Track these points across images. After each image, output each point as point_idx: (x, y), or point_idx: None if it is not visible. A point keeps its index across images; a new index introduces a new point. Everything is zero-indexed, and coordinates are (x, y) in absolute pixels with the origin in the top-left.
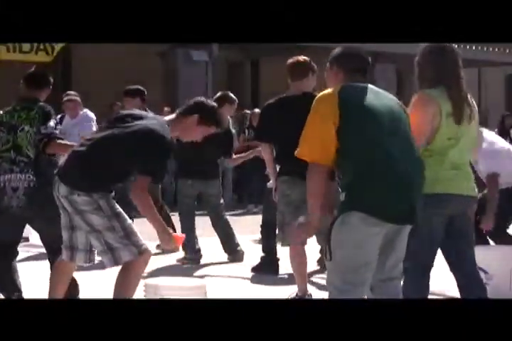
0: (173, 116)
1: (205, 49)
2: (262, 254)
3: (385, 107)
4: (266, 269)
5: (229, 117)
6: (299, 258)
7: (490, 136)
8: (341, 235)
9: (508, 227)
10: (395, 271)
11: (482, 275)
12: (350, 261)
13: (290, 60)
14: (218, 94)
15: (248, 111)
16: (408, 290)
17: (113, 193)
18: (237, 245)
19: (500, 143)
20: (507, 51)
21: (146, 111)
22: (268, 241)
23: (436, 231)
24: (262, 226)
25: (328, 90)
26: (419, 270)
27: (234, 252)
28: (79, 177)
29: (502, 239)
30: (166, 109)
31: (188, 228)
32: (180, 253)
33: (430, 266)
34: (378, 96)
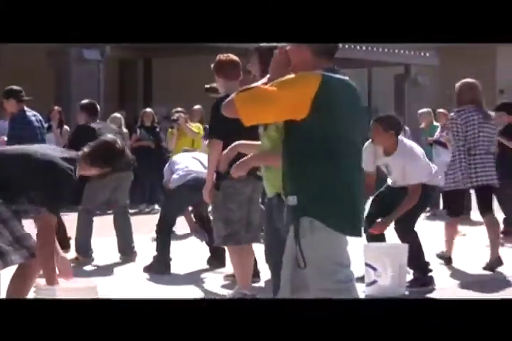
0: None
1: (97, 48)
2: (155, 254)
3: (353, 107)
4: (158, 269)
5: (120, 116)
6: (245, 257)
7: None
8: (318, 242)
9: (415, 225)
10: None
11: (371, 271)
12: (331, 261)
13: (224, 59)
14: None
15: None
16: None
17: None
18: (133, 245)
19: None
20: (396, 51)
21: (23, 111)
22: (162, 241)
23: None
24: (158, 225)
25: (311, 75)
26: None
27: (128, 252)
28: None
29: (407, 236)
30: (56, 108)
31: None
32: (72, 253)
33: None
34: (350, 91)
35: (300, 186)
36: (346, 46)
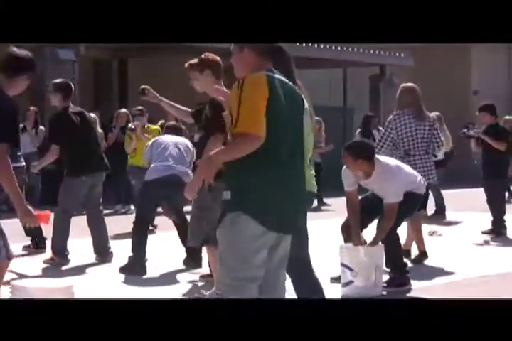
0: None
1: (71, 48)
2: (130, 254)
3: (291, 104)
4: (134, 269)
5: (94, 116)
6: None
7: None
8: (231, 233)
9: (398, 228)
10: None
11: (347, 272)
12: (241, 258)
13: (214, 58)
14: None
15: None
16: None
17: None
18: (109, 246)
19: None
20: (371, 52)
21: None
22: (138, 241)
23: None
24: (134, 224)
25: (257, 76)
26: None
27: (104, 253)
28: None
29: (389, 237)
30: (32, 108)
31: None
32: (48, 254)
33: (307, 261)
34: (290, 91)
35: (233, 182)
36: (322, 46)
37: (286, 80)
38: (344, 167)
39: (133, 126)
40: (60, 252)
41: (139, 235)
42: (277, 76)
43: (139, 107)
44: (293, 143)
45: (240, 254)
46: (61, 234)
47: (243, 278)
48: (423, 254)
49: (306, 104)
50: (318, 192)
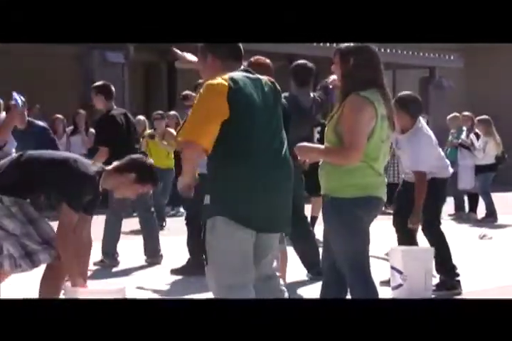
0: (108, 167)
1: (121, 50)
2: (189, 256)
3: (263, 103)
4: (191, 271)
5: (145, 119)
6: None
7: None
8: (213, 239)
9: (439, 221)
10: (270, 269)
11: (397, 275)
12: (226, 264)
13: (264, 62)
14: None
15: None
16: (357, 291)
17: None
18: (159, 248)
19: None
20: (420, 54)
21: None
22: (193, 241)
23: (367, 231)
24: (186, 224)
25: (219, 79)
26: (360, 269)
27: (154, 255)
28: None
29: (433, 234)
30: (81, 111)
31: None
32: (98, 256)
33: (369, 264)
34: (258, 88)
35: (211, 186)
36: None
37: (260, 78)
38: None
39: (153, 134)
40: (110, 254)
41: (192, 235)
42: (246, 74)
43: (159, 112)
44: (267, 139)
45: (225, 260)
46: (111, 236)
47: (230, 284)
48: None
49: (383, 110)
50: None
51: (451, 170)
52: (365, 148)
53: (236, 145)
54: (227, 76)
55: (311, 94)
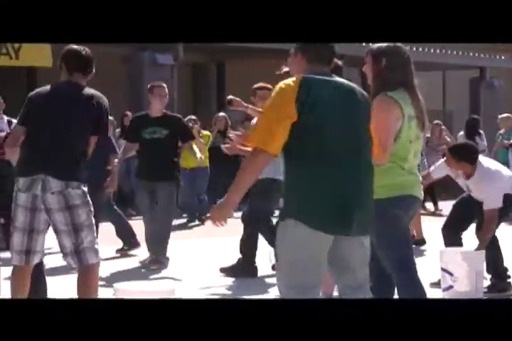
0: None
1: (170, 52)
2: (240, 256)
3: (344, 104)
4: (243, 272)
5: (195, 118)
6: None
7: (491, 164)
8: (284, 239)
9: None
10: (361, 278)
11: (448, 277)
12: (297, 263)
13: None
14: None
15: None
16: (405, 291)
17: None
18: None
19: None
20: (470, 54)
21: None
22: (248, 242)
23: (408, 230)
24: (244, 225)
25: (289, 81)
26: (406, 270)
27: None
28: (71, 167)
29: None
30: (128, 113)
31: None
32: (143, 256)
33: (414, 262)
34: (339, 90)
35: (286, 189)
36: (420, 49)
37: (338, 80)
38: (442, 160)
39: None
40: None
41: (252, 236)
42: (322, 77)
43: (193, 117)
44: (347, 141)
45: (292, 261)
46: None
47: (294, 286)
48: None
49: (410, 110)
50: (433, 197)
51: None
52: (393, 148)
53: (311, 147)
54: (299, 77)
55: None
